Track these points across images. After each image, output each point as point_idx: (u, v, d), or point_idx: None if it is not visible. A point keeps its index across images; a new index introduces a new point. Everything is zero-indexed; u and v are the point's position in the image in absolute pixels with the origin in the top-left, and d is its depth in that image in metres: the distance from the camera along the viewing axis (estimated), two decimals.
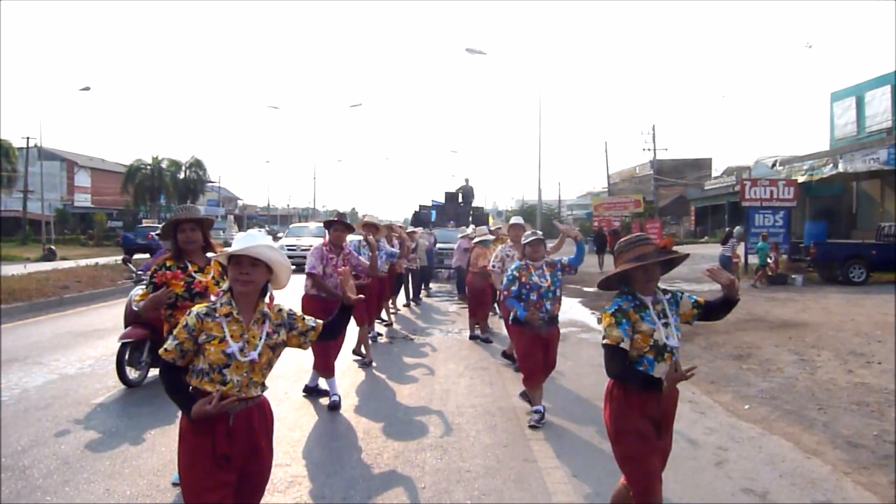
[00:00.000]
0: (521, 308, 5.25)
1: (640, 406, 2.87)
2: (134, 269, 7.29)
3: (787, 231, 19.42)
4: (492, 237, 9.80)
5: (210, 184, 59.96)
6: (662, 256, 2.92)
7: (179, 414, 2.62)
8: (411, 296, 13.60)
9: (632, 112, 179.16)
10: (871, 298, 13.53)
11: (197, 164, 53.13)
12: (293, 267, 2.83)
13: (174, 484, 4.02)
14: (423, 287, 14.97)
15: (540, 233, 5.56)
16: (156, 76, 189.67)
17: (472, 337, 9.47)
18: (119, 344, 6.36)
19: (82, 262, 21.53)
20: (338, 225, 6.19)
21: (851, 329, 9.78)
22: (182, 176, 52.26)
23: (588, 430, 5.26)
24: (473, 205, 24.93)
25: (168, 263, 3.94)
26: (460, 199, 24.47)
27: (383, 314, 10.68)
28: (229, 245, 2.82)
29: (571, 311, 12.61)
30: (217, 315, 2.56)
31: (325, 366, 5.89)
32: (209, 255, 3.20)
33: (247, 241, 2.59)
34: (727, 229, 19.46)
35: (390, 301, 11.45)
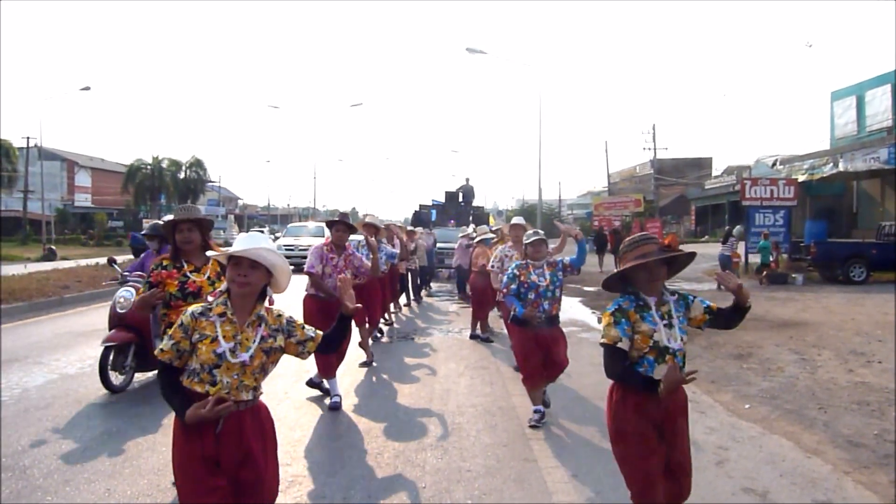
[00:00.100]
0: (519, 306, 5.24)
1: (639, 407, 2.84)
2: (119, 269, 7.07)
3: (788, 230, 19.43)
4: (493, 236, 9.80)
5: (210, 183, 60.00)
6: (664, 255, 2.87)
7: (174, 415, 2.60)
8: (412, 295, 13.60)
9: (632, 111, 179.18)
10: (872, 298, 13.53)
11: (197, 164, 53.16)
12: (292, 267, 2.80)
13: (174, 484, 4.01)
14: (423, 287, 14.97)
15: (541, 232, 5.53)
16: (156, 76, 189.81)
17: (473, 336, 9.47)
18: (102, 347, 6.17)
19: (82, 262, 21.55)
20: (339, 225, 6.11)
21: (852, 328, 9.78)
22: (182, 176, 52.29)
23: (588, 430, 5.26)
24: (474, 204, 24.86)
25: (165, 263, 3.96)
26: (461, 199, 24.42)
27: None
28: (229, 245, 2.80)
29: (572, 310, 12.61)
30: (211, 315, 2.55)
31: (325, 367, 5.89)
32: (209, 253, 3.19)
33: (248, 242, 2.56)
34: (727, 228, 19.45)
35: (392, 303, 11.43)
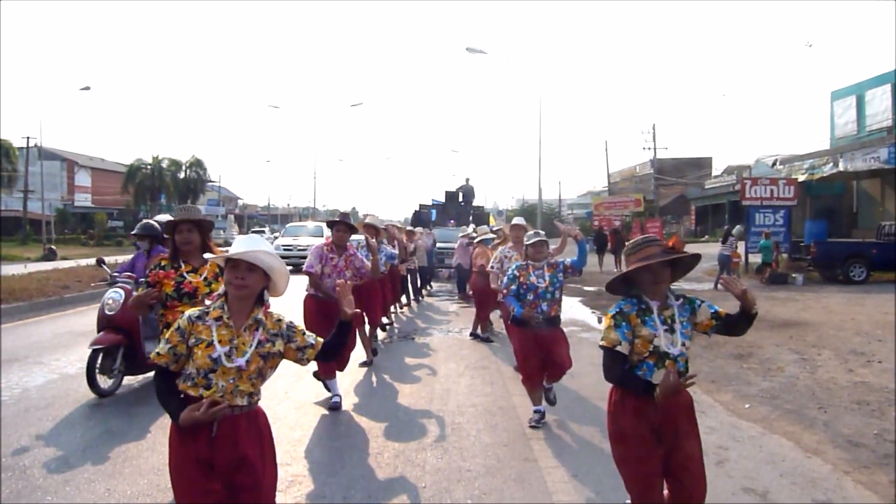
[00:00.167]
0: (518, 306, 5.24)
1: (637, 410, 2.82)
2: (108, 270, 6.85)
3: (788, 230, 19.44)
4: (493, 237, 9.80)
5: (210, 183, 60.04)
6: (667, 257, 2.83)
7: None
8: (411, 296, 13.60)
9: (632, 111, 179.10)
10: (872, 297, 13.53)
11: (197, 164, 53.21)
12: (290, 268, 2.79)
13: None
14: (424, 287, 14.97)
15: (542, 233, 5.51)
16: (156, 76, 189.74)
17: (472, 335, 9.48)
18: (90, 350, 6.01)
19: (83, 262, 21.52)
20: (340, 225, 6.05)
21: (852, 328, 9.79)
22: (182, 175, 52.34)
23: (588, 430, 5.26)
24: (474, 204, 24.86)
25: (163, 263, 3.96)
26: (461, 199, 24.42)
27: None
28: (229, 245, 2.79)
29: (572, 310, 12.60)
30: (207, 318, 2.51)
31: (326, 368, 5.88)
32: (206, 256, 3.16)
33: (245, 244, 2.52)
34: (725, 228, 19.46)
35: (395, 303, 11.42)
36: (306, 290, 6.17)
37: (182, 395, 2.49)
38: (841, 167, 22.26)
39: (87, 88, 36.47)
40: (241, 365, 2.48)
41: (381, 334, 9.56)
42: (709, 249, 18.27)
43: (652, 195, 43.53)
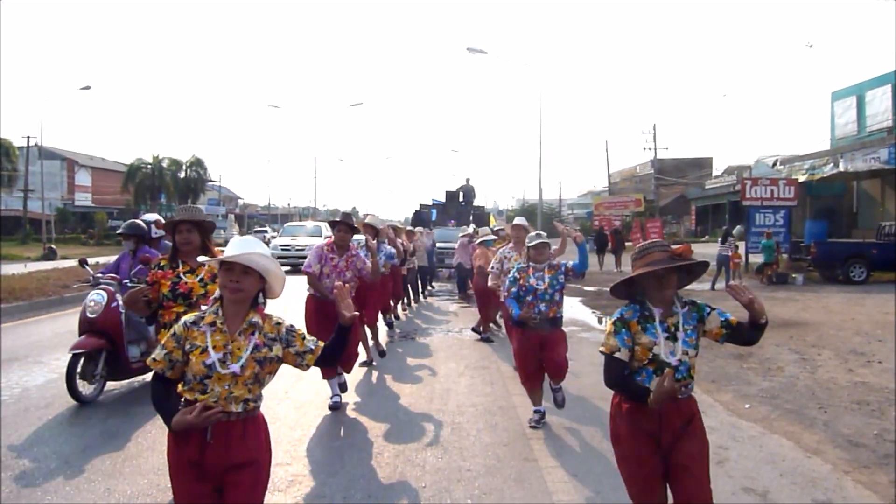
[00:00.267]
0: (517, 308, 5.24)
1: (634, 415, 2.81)
2: (91, 271, 6.61)
3: (788, 230, 19.45)
4: (494, 237, 9.81)
5: (211, 183, 60.00)
6: (672, 264, 2.75)
7: None
8: (411, 296, 13.59)
9: (632, 111, 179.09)
10: (872, 298, 13.54)
11: (197, 163, 53.15)
12: (288, 268, 2.76)
13: None
14: (424, 287, 14.95)
15: (544, 234, 5.50)
16: (156, 75, 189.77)
17: (475, 329, 9.56)
18: (70, 355, 5.78)
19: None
20: (341, 225, 5.97)
21: (852, 328, 9.79)
22: (183, 175, 52.29)
23: (588, 430, 5.25)
24: (474, 204, 24.86)
25: (163, 263, 3.97)
26: (461, 199, 24.42)
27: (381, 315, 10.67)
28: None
29: (572, 310, 12.59)
30: (202, 324, 2.48)
31: (327, 369, 5.86)
32: (200, 258, 3.12)
33: (240, 247, 2.47)
34: (725, 228, 19.47)
35: (398, 303, 11.41)
36: (307, 290, 6.16)
37: (183, 400, 2.48)
38: (841, 167, 22.26)
39: (88, 88, 36.77)
40: (235, 371, 2.43)
41: (383, 336, 9.54)
42: (709, 250, 18.28)
43: (652, 195, 43.54)
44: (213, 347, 2.43)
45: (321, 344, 2.62)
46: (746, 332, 2.83)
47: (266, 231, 51.58)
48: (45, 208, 39.48)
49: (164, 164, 50.68)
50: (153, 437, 4.94)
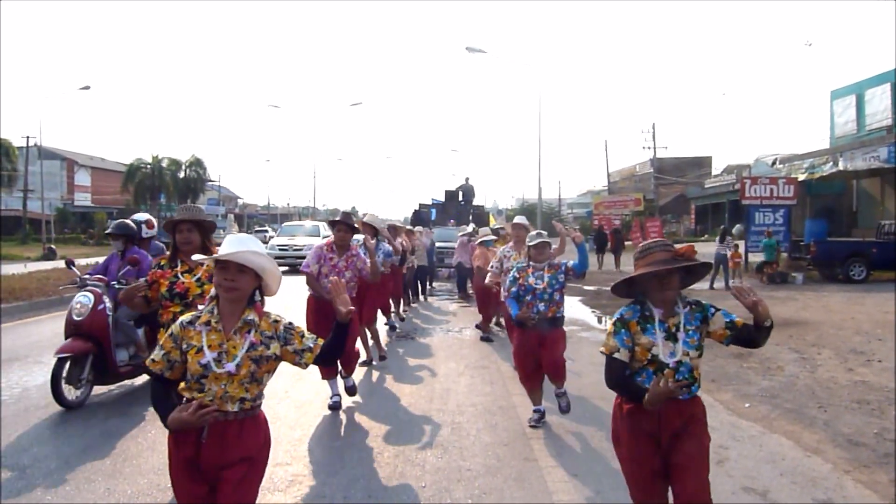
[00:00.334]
0: (516, 308, 5.24)
1: (633, 415, 2.80)
2: (78, 272, 6.42)
3: (788, 229, 19.45)
4: (493, 238, 9.80)
5: (210, 183, 59.98)
6: (674, 264, 2.73)
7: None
8: (410, 296, 13.57)
9: (632, 110, 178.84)
10: (872, 297, 13.54)
11: (197, 163, 53.10)
12: (286, 268, 2.74)
13: None
14: (425, 286, 14.94)
15: (545, 233, 5.49)
16: (156, 76, 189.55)
17: (477, 326, 9.66)
18: (55, 359, 5.57)
19: (83, 262, 21.48)
20: (341, 225, 5.94)
21: (852, 327, 9.80)
22: (182, 175, 52.24)
23: (588, 430, 5.24)
24: (474, 203, 24.86)
25: (162, 262, 3.98)
26: (461, 198, 24.42)
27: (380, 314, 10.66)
28: None
29: (572, 309, 12.58)
30: (198, 324, 2.48)
31: (327, 369, 5.85)
32: (195, 257, 3.12)
33: (234, 245, 2.46)
34: (723, 227, 19.47)
35: (400, 302, 11.39)
36: (308, 291, 6.15)
37: (184, 399, 2.48)
38: (841, 166, 22.27)
39: (87, 88, 36.69)
40: (230, 370, 2.41)
41: (384, 337, 9.53)
42: (709, 249, 18.28)
43: (652, 194, 43.54)
44: (209, 346, 2.43)
45: (320, 342, 2.60)
46: (751, 335, 2.79)
47: (266, 230, 51.58)
48: (45, 208, 39.47)
49: (164, 164, 50.63)
50: (153, 437, 4.94)
